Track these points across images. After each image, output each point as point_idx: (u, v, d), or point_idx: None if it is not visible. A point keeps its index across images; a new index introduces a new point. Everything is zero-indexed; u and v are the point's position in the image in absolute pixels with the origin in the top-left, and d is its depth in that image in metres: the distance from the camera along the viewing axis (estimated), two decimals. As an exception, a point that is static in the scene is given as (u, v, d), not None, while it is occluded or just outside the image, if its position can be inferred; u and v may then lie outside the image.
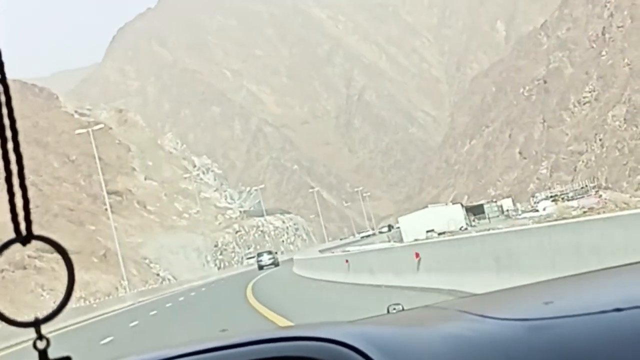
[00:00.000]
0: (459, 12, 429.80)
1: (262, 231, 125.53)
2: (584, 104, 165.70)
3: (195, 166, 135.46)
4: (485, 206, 78.56)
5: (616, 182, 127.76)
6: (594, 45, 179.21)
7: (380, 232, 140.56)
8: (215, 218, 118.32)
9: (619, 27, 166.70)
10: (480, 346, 1.58)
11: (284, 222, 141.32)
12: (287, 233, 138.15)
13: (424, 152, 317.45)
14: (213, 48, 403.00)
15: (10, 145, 1.07)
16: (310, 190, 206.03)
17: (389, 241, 72.31)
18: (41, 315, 1.17)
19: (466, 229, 67.30)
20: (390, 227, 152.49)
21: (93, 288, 74.95)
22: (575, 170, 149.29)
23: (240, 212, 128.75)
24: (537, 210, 69.48)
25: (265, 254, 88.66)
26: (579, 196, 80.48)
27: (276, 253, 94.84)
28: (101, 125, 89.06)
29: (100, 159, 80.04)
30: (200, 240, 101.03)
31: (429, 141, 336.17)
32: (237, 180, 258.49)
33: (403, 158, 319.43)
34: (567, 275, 2.29)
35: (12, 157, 1.07)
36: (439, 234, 61.49)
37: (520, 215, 72.19)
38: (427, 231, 67.55)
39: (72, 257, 1.05)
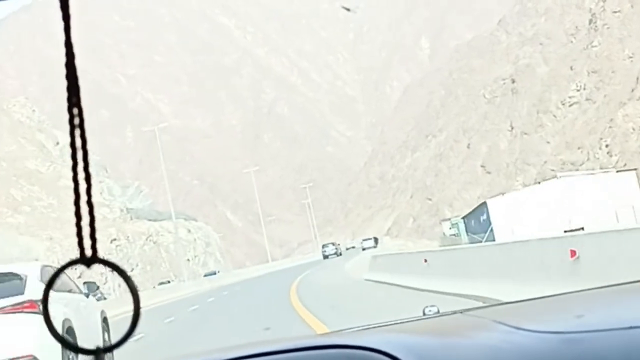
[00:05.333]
0: (378, 28, 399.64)
1: (154, 242, 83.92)
2: (571, 105, 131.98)
3: (57, 143, 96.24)
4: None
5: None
6: (574, 39, 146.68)
7: (364, 248, 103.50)
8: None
9: (614, 12, 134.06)
10: (513, 359, 1.59)
11: (189, 231, 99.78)
12: (195, 248, 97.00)
13: (343, 171, 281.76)
14: (107, 49, 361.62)
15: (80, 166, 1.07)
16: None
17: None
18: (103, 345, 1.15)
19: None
20: (376, 240, 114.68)
21: None
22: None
23: (122, 210, 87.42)
24: None
25: (330, 245, 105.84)
26: None
27: (339, 244, 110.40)
28: None
29: None
30: (43, 248, 60.43)
31: (347, 161, 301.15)
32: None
33: (319, 177, 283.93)
34: (597, 287, 2.37)
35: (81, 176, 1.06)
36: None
37: None
38: (567, 231, 31.61)
39: None
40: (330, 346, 1.64)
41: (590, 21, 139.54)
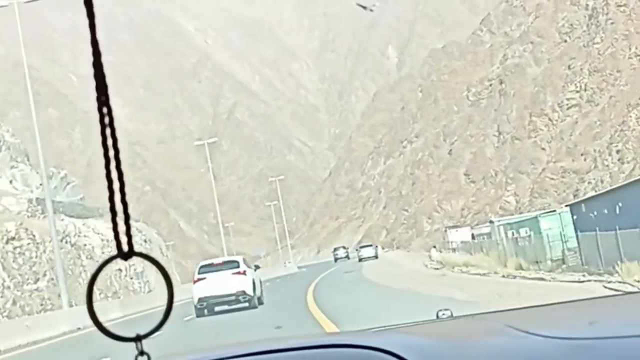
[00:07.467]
0: (344, 36, 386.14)
1: (74, 245, 65.83)
2: (569, 107, 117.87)
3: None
4: None
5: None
6: (569, 37, 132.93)
7: (359, 258, 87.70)
8: (-37, 207, 60.81)
9: (619, 6, 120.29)
10: None
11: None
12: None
13: (305, 182, 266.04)
14: (59, 48, 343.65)
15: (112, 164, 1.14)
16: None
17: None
18: (142, 331, 1.21)
19: None
20: (376, 247, 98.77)
21: None
22: (575, 195, 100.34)
23: (31, 202, 68.97)
24: None
25: (341, 248, 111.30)
26: None
27: (348, 248, 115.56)
28: None
29: None
30: None
31: (309, 171, 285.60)
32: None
33: (279, 188, 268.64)
34: (609, 295, 2.26)
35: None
36: None
37: None
38: None
39: None
40: (341, 345, 1.62)
41: (591, 17, 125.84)
